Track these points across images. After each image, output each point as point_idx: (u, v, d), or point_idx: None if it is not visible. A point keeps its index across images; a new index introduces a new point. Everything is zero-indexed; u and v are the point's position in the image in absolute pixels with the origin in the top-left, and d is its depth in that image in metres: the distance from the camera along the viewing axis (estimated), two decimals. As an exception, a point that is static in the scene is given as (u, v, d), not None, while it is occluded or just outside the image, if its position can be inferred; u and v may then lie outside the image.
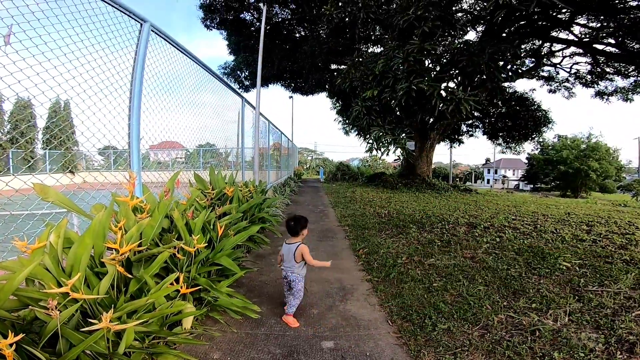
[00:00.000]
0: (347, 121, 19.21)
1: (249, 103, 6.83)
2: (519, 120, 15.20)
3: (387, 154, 10.74)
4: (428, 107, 8.64)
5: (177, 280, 2.03)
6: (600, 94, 14.39)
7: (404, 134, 10.51)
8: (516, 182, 53.22)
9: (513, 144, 17.92)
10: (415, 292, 3.17)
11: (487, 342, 2.40)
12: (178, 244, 2.17)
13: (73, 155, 4.16)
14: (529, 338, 2.43)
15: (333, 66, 16.69)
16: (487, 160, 71.03)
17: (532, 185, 42.89)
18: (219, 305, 2.43)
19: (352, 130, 20.56)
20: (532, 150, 34.35)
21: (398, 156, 12.70)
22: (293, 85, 19.07)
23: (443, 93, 8.56)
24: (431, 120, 13.05)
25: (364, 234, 5.62)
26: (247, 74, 18.26)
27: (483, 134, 18.23)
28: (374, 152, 11.02)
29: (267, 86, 19.57)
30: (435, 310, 2.80)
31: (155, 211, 2.27)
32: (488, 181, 60.54)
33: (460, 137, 19.41)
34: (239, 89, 19.04)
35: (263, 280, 3.61)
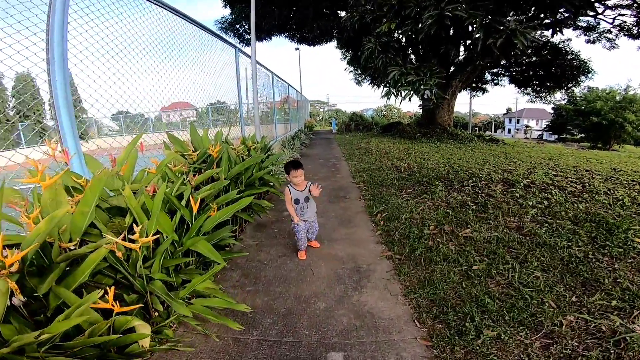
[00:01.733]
0: (358, 71, 17.47)
1: (243, 52, 5.75)
2: (554, 69, 13.30)
3: (409, 99, 9.41)
4: (465, 43, 7.18)
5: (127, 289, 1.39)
6: None
7: (433, 75, 8.97)
8: (539, 132, 50.94)
9: (544, 93, 16.07)
10: (450, 277, 2.49)
11: (554, 357, 1.74)
12: (111, 241, 1.48)
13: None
14: (613, 351, 1.76)
15: (341, 13, 14.56)
16: (509, 109, 68.17)
17: (557, 136, 42.18)
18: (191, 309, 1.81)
19: (365, 78, 18.87)
20: (560, 100, 32.78)
21: (425, 101, 10.92)
22: (298, 35, 16.97)
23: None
24: (460, 59, 11.38)
25: (382, 193, 4.89)
26: (246, 27, 16.31)
27: (510, 82, 16.28)
28: (392, 98, 9.72)
29: (270, 38, 17.49)
30: (478, 307, 2.13)
31: (87, 192, 1.56)
32: (509, 131, 58.54)
33: (484, 86, 17.49)
34: (239, 43, 17.22)
35: (262, 259, 3.01)
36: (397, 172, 6.26)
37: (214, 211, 2.31)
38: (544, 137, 45.03)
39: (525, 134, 53.75)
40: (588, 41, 13.35)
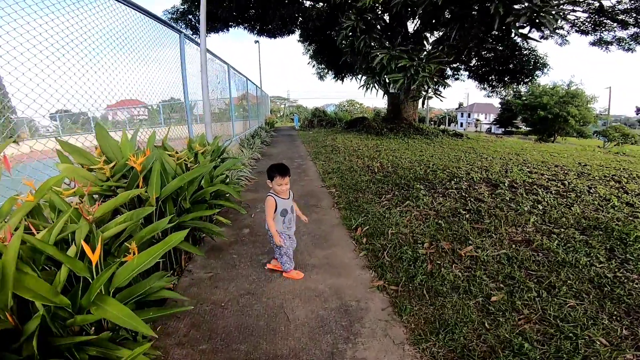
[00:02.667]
0: (322, 65, 16.83)
1: (191, 40, 4.84)
2: (513, 64, 13.80)
3: (401, 89, 7.74)
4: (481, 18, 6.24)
5: None
6: (598, 43, 12.95)
7: (431, 60, 7.49)
8: (488, 126, 54.87)
9: (499, 88, 16.74)
10: (466, 314, 1.95)
11: None
12: None
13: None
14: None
15: (306, 3, 13.76)
16: (460, 104, 72.90)
17: (503, 129, 45.84)
18: None
19: (328, 72, 18.31)
20: (507, 95, 35.44)
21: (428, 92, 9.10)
22: (258, 27, 15.79)
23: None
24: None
25: (358, 199, 4.31)
26: (199, 17, 14.91)
27: (470, 77, 16.71)
28: (372, 89, 8.63)
29: (227, 29, 16.03)
30: (515, 355, 1.61)
31: None
32: (461, 124, 62.53)
33: (445, 80, 17.79)
34: (192, 34, 15.72)
35: (218, 300, 2.26)
36: (370, 173, 5.74)
37: (133, 253, 1.53)
38: (492, 130, 48.64)
39: (476, 127, 57.62)
40: (542, 37, 13.99)
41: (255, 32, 14.94)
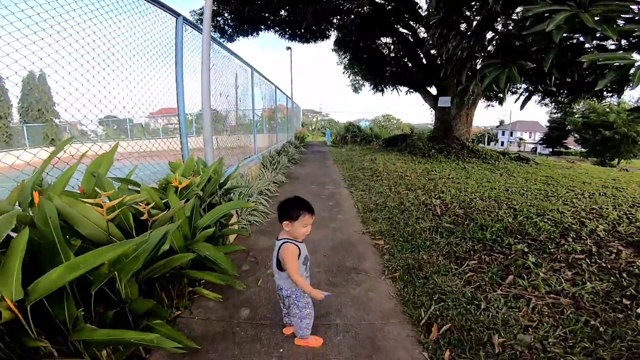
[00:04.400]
0: (358, 75, 15.53)
1: (194, 26, 3.71)
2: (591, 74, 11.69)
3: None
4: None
5: None
6: None
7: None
8: (533, 145, 52.19)
9: (568, 104, 14.38)
10: None
11: None
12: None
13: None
14: None
15: None
16: (501, 122, 69.51)
17: (550, 149, 43.87)
18: None
19: (364, 82, 17.01)
20: (554, 113, 32.67)
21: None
22: (290, 31, 14.87)
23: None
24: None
25: (422, 263, 2.84)
26: (228, 18, 14.20)
27: (533, 89, 14.55)
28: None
29: (257, 33, 15.35)
30: None
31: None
32: (502, 143, 59.66)
33: (499, 95, 15.75)
34: (220, 37, 15.15)
35: None
36: (431, 215, 4.23)
37: None
38: (538, 150, 45.90)
39: (519, 146, 54.18)
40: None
41: (286, 36, 13.97)
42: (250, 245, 3.36)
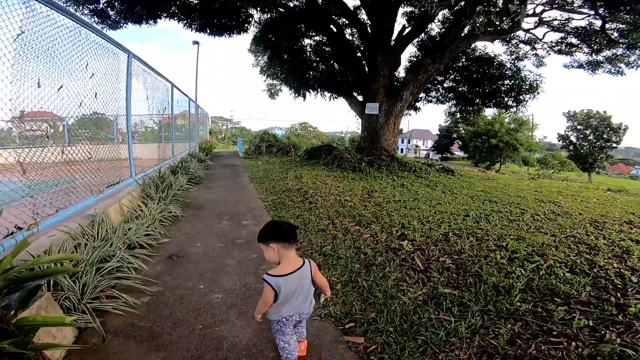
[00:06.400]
0: (279, 76, 14.00)
1: None
2: (504, 86, 12.67)
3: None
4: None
5: None
6: (585, 65, 12.49)
7: None
8: (426, 152, 59.28)
9: (475, 112, 15.58)
10: None
11: None
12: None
13: None
14: None
15: None
16: (400, 130, 77.44)
17: (440, 155, 49.74)
18: None
19: (282, 86, 15.58)
20: (444, 122, 36.76)
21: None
22: (197, 22, 12.33)
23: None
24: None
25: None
26: None
27: (447, 97, 15.37)
28: None
29: (155, 21, 12.41)
30: None
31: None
32: (402, 150, 66.75)
33: (416, 103, 16.20)
34: (98, 23, 11.73)
35: None
36: (410, 271, 2.92)
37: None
38: (430, 156, 51.44)
39: (415, 153, 60.71)
40: (517, 58, 13.15)
41: (195, 27, 11.48)
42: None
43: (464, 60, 13.08)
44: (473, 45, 12.37)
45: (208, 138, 23.60)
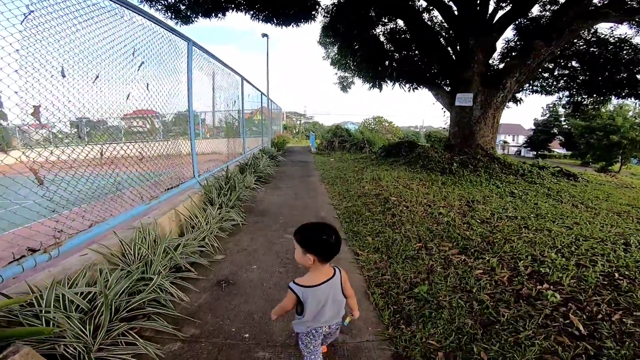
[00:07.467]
0: (351, 67, 13.09)
1: None
2: (629, 73, 9.85)
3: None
4: None
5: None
6: None
7: None
8: (517, 149, 52.93)
9: (598, 103, 12.54)
10: None
11: None
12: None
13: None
14: None
15: None
16: None
17: (534, 152, 44.67)
18: None
19: (355, 77, 14.56)
20: (542, 115, 33.10)
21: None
22: (265, 11, 12.10)
23: None
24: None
25: None
26: None
27: (559, 91, 12.70)
28: None
29: (224, 14, 12.58)
30: None
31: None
32: None
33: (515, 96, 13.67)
34: (172, 18, 12.22)
35: None
36: (582, 358, 1.77)
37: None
38: (522, 153, 46.47)
39: (503, 149, 54.31)
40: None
41: (261, 17, 11.31)
42: None
43: (581, 44, 10.53)
44: (593, 28, 9.82)
45: (282, 133, 23.86)
